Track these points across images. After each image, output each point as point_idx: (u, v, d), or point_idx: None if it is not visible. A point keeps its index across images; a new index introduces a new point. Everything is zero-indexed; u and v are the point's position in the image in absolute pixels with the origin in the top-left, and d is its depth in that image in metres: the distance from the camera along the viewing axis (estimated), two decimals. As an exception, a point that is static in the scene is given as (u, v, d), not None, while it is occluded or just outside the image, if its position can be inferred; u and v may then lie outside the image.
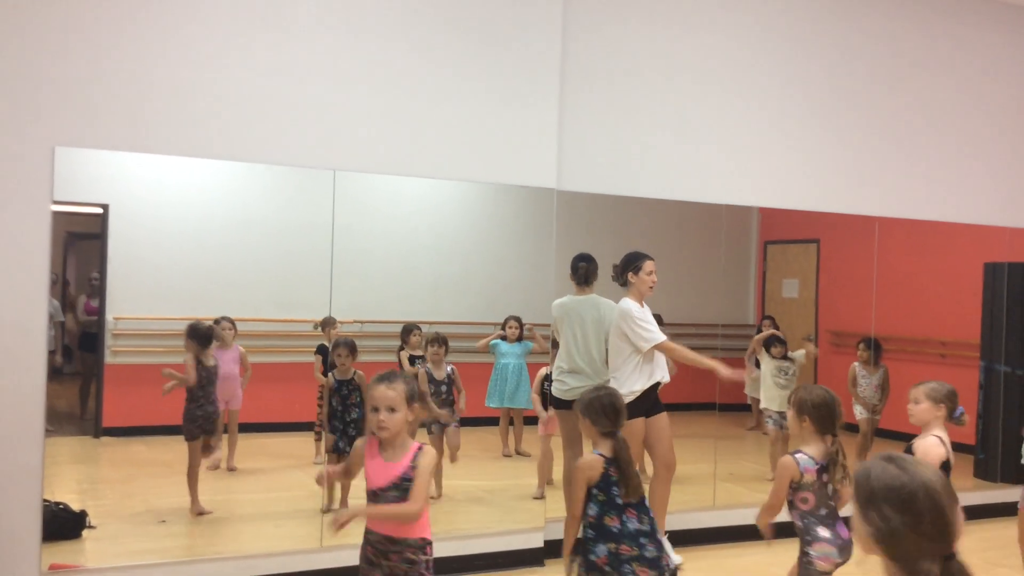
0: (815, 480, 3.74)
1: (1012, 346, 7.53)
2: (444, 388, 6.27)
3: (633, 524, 3.68)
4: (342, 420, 5.84)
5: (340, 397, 5.85)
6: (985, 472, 7.41)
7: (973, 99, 7.02)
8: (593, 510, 3.71)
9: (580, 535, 3.82)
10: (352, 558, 5.13)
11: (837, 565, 3.72)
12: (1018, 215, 7.23)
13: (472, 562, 5.34)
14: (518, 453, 7.21)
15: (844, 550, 3.72)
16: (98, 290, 8.03)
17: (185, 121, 4.70)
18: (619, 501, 3.69)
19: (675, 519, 5.98)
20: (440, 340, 6.29)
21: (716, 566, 5.53)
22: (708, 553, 5.72)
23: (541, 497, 5.99)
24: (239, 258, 7.51)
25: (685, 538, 5.85)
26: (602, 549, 3.66)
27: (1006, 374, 7.52)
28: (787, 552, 3.96)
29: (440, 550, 5.18)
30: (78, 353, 7.96)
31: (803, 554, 3.75)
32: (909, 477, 1.88)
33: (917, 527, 1.84)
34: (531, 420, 7.06)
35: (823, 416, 3.77)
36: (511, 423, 7.17)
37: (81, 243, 9.03)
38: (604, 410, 3.74)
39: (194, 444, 5.71)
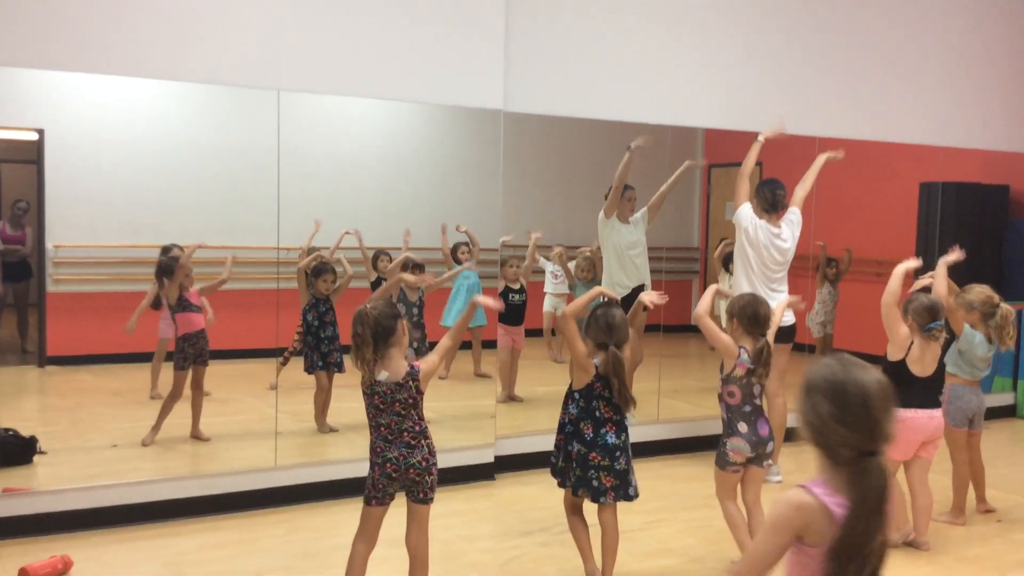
0: (744, 376, 4.00)
1: (944, 264, 7.75)
2: (416, 311, 6.60)
3: (611, 438, 3.82)
4: (316, 336, 6.02)
5: (317, 314, 6.02)
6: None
7: (910, 21, 7.12)
8: (573, 410, 3.86)
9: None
10: (306, 475, 5.22)
11: (748, 459, 4.03)
12: (953, 135, 7.41)
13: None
14: (478, 375, 7.33)
15: (757, 445, 4.02)
16: (18, 218, 7.85)
17: (124, 39, 4.58)
18: (598, 414, 3.82)
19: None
20: (418, 266, 6.60)
21: (661, 475, 5.72)
22: (653, 463, 5.89)
23: (506, 400, 6.25)
24: (182, 183, 7.40)
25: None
26: (576, 447, 3.84)
27: (938, 291, 7.76)
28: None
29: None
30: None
31: (721, 444, 4.08)
32: (845, 374, 2.04)
33: (841, 418, 2.00)
34: (489, 344, 7.16)
35: (747, 316, 4.03)
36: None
37: (5, 169, 8.77)
38: (599, 325, 3.83)
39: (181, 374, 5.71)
